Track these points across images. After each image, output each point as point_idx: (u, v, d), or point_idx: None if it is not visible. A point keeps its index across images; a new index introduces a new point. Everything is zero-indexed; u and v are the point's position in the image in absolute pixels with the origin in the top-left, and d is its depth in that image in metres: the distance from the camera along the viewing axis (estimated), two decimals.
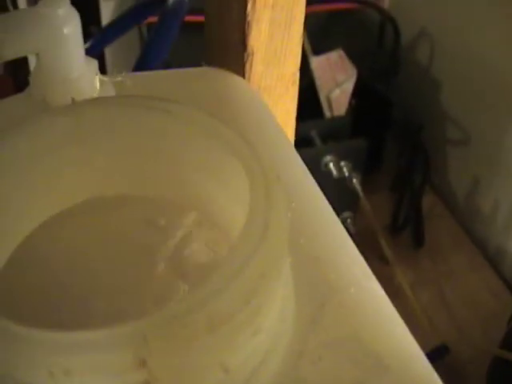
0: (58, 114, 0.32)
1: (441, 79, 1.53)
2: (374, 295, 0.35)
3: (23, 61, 1.24)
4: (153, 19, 1.07)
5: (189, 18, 0.96)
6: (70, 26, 0.38)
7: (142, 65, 0.83)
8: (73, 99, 0.33)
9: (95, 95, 0.40)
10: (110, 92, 0.41)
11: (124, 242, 0.35)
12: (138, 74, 0.48)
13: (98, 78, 0.40)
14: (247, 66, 0.50)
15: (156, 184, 0.34)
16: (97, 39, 0.99)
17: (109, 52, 1.61)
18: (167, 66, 0.96)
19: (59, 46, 0.38)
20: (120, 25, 1.02)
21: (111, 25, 1.03)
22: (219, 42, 0.53)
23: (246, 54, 0.50)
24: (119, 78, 0.42)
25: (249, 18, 0.48)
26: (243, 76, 0.51)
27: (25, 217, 0.33)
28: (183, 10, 0.87)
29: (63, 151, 0.32)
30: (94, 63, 0.41)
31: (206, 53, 0.55)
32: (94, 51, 0.99)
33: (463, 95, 1.49)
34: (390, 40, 1.49)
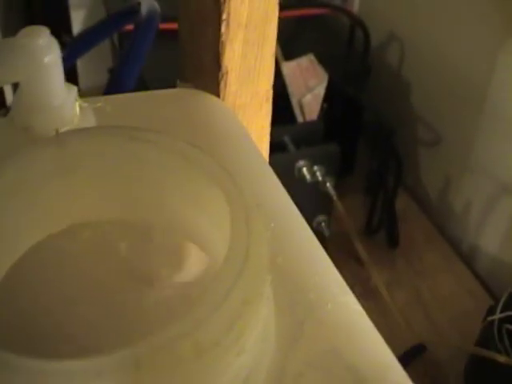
0: (44, 145, 0.33)
1: (411, 81, 1.56)
2: (350, 310, 0.36)
3: None
4: (124, 29, 1.08)
5: (164, 26, 0.97)
6: (51, 55, 0.39)
7: (118, 77, 0.84)
8: (56, 130, 0.34)
9: (76, 121, 0.41)
10: (90, 117, 0.42)
11: (105, 268, 0.36)
12: (116, 97, 0.49)
13: (77, 104, 0.41)
14: (222, 84, 0.51)
15: (140, 210, 0.35)
16: (69, 50, 0.99)
17: (80, 63, 1.62)
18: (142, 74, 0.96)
19: (40, 75, 0.39)
20: (93, 35, 1.02)
21: (84, 35, 1.04)
22: (194, 60, 0.54)
23: (220, 74, 0.51)
24: (99, 104, 0.43)
25: (223, 38, 0.49)
26: (218, 94, 0.52)
27: (14, 243, 0.34)
28: (156, 20, 0.88)
29: (50, 181, 0.33)
30: (74, 90, 0.42)
31: (181, 70, 0.56)
32: (67, 63, 1.00)
33: (433, 97, 1.51)
34: (360, 44, 1.51)
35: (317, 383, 0.32)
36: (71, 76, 1.71)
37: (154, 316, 0.34)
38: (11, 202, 0.33)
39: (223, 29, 0.49)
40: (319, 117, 1.40)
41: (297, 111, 1.39)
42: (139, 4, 0.90)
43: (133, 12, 0.91)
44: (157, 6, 0.89)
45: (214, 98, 0.51)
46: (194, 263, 0.35)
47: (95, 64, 1.56)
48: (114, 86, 0.78)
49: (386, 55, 1.61)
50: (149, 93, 0.50)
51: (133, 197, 0.34)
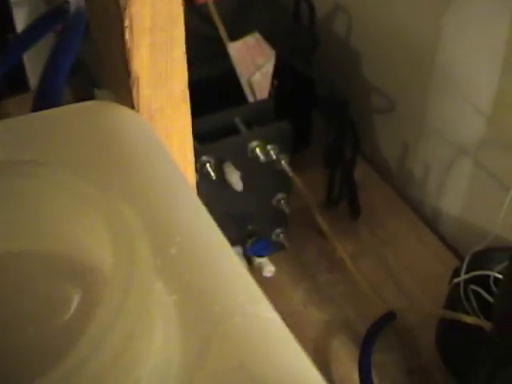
0: None
1: (360, 51, 1.55)
2: (260, 320, 0.36)
3: None
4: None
5: None
6: None
7: (49, 76, 0.82)
8: None
9: None
10: None
11: None
12: (22, 117, 0.48)
13: None
14: (134, 90, 0.51)
15: (30, 239, 0.34)
16: (12, 48, 0.98)
17: (28, 64, 1.61)
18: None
19: None
20: (27, 37, 1.01)
21: (23, 34, 1.02)
22: (108, 68, 0.53)
23: (131, 80, 0.50)
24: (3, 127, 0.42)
25: (128, 45, 0.48)
26: (132, 100, 0.51)
27: None
28: (83, 21, 0.86)
29: None
30: None
31: (98, 77, 0.55)
32: (11, 60, 0.98)
33: (384, 64, 1.51)
34: (306, 18, 1.50)
35: None
36: (21, 78, 1.69)
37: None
38: None
39: (127, 35, 0.48)
40: (270, 95, 1.39)
41: (247, 91, 1.38)
42: (67, 3, 0.88)
43: (62, 12, 0.89)
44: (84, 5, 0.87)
45: (127, 110, 0.50)
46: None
47: (42, 62, 1.54)
48: (42, 97, 0.77)
49: (333, 27, 1.60)
50: (59, 109, 0.49)
51: (21, 227, 0.34)
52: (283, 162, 1.30)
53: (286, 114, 1.34)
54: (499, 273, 1.23)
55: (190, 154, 0.56)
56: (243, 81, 1.38)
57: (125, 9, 0.47)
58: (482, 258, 1.26)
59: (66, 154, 0.41)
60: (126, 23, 0.47)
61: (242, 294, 0.37)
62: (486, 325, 1.14)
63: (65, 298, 0.33)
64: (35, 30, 0.94)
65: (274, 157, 1.29)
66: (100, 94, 0.54)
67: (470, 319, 1.18)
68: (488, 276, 1.24)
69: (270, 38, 1.40)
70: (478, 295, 1.22)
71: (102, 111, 0.49)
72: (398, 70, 1.47)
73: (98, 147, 0.44)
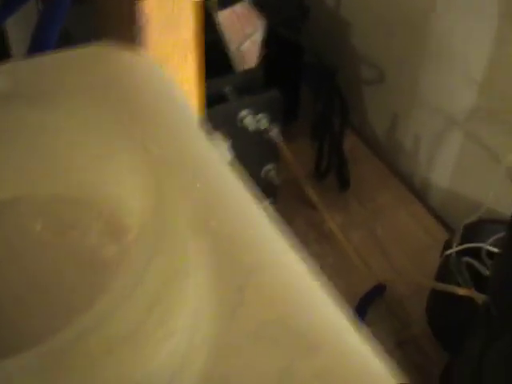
0: None
1: (350, 21, 1.52)
2: (292, 271, 0.33)
3: None
4: None
5: None
6: None
7: (37, 39, 0.79)
8: None
9: None
10: None
11: (25, 246, 0.33)
12: (33, 59, 0.44)
13: None
14: (142, 36, 0.48)
15: (47, 183, 0.31)
16: None
17: (10, 32, 1.57)
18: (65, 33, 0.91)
19: None
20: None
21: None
22: (111, 14, 0.50)
23: (140, 25, 0.47)
24: (6, 68, 0.39)
25: None
26: (139, 47, 0.48)
27: None
28: None
29: None
30: None
31: (98, 27, 0.52)
32: None
33: (373, 34, 1.48)
34: None
35: (261, 356, 0.29)
36: (2, 46, 1.65)
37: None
38: None
39: None
40: (259, 63, 1.36)
41: (236, 60, 1.35)
42: None
43: None
44: None
45: (136, 52, 0.47)
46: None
47: (25, 32, 1.50)
48: (34, 49, 0.74)
49: None
50: (64, 53, 0.46)
51: (36, 170, 0.31)
52: (273, 131, 1.27)
53: (275, 84, 1.32)
54: (492, 245, 1.21)
55: (200, 107, 0.53)
56: (232, 49, 1.34)
57: None
58: (473, 231, 1.24)
59: (81, 97, 0.38)
60: None
61: (273, 243, 0.34)
62: (478, 296, 1.12)
63: (97, 245, 0.31)
64: None
65: (264, 126, 1.26)
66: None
67: (462, 291, 1.16)
68: (479, 248, 1.23)
69: (260, 7, 1.37)
70: (469, 267, 1.21)
71: (110, 54, 0.46)
72: (388, 40, 1.44)
73: (111, 90, 0.41)
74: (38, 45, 0.74)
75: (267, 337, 0.29)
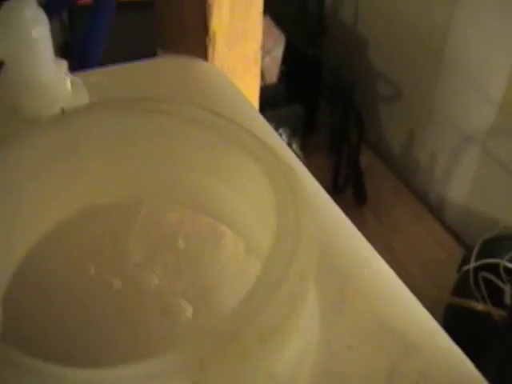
0: (51, 125, 0.30)
1: (367, 37, 1.54)
2: (384, 275, 0.35)
3: None
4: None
5: None
6: (39, 28, 0.36)
7: (84, 52, 0.80)
8: (62, 109, 0.31)
9: (69, 98, 0.38)
10: (83, 93, 0.39)
11: (121, 250, 0.34)
12: (109, 70, 0.46)
13: (69, 80, 0.38)
14: (209, 49, 0.49)
15: (159, 189, 0.32)
16: None
17: None
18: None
19: (28, 50, 0.36)
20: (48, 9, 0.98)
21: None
22: (175, 26, 0.51)
23: (207, 38, 0.48)
24: (93, 79, 0.40)
25: (210, 1, 0.46)
26: (205, 59, 0.50)
27: (26, 231, 0.31)
28: None
29: (59, 163, 0.30)
30: (64, 65, 0.39)
31: (161, 39, 0.53)
32: None
33: (391, 51, 1.50)
34: (314, 2, 1.48)
35: (367, 356, 0.30)
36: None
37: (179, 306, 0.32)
38: (21, 186, 0.30)
39: None
40: (279, 79, 1.38)
41: None
42: None
43: None
44: None
45: (206, 64, 0.48)
46: (230, 249, 0.33)
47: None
48: (81, 62, 0.75)
49: (341, 12, 1.59)
50: (143, 63, 0.47)
51: (150, 176, 0.32)
52: (294, 145, 1.29)
53: (295, 99, 1.33)
54: (510, 261, 1.22)
55: None
56: None
57: None
58: (491, 246, 1.25)
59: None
60: None
61: (364, 250, 0.35)
62: (496, 312, 1.13)
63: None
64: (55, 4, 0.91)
65: (286, 140, 1.28)
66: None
67: (480, 306, 1.17)
68: (497, 264, 1.24)
69: (280, 23, 1.39)
70: (487, 283, 1.22)
71: (185, 65, 0.47)
72: (405, 56, 1.46)
73: (191, 98, 0.42)
74: (85, 58, 0.75)
75: (371, 337, 0.31)
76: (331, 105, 1.56)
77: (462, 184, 1.41)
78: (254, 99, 0.54)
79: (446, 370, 0.31)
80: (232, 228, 0.32)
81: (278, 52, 1.39)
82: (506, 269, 1.22)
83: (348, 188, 1.51)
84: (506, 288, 1.17)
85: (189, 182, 0.31)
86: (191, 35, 0.50)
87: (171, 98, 0.30)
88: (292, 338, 0.26)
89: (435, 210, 1.49)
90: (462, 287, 1.23)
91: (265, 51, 1.38)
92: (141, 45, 0.71)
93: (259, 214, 0.29)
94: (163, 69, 0.47)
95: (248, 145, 0.28)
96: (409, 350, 0.31)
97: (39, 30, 0.36)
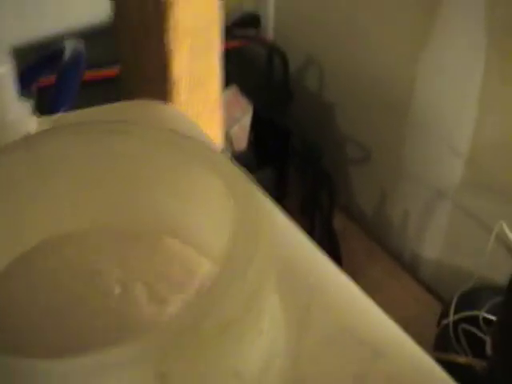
0: (12, 149, 0.31)
1: (333, 102, 1.57)
2: (349, 289, 0.35)
3: None
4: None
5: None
6: (3, 65, 0.37)
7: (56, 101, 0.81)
8: (27, 133, 0.32)
9: None
10: None
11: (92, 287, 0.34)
12: (74, 112, 0.47)
13: (35, 119, 0.39)
14: (173, 94, 0.50)
15: (124, 211, 0.33)
16: None
17: None
18: None
19: None
20: (25, 78, 0.99)
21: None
22: (138, 74, 0.53)
23: (169, 84, 0.50)
24: (56, 118, 0.41)
25: (170, 47, 0.48)
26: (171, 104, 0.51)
27: None
28: (82, 64, 0.85)
29: (22, 188, 0.31)
30: (29, 104, 0.39)
31: (124, 88, 0.54)
32: None
33: (357, 114, 1.53)
34: (279, 70, 1.51)
35: (334, 362, 0.30)
36: None
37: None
38: None
39: (170, 37, 0.47)
40: (248, 147, 1.39)
41: (225, 143, 1.38)
42: (63, 48, 0.87)
43: (56, 56, 0.88)
44: (81, 46, 0.87)
45: (170, 106, 0.49)
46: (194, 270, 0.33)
47: None
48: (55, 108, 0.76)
49: (306, 78, 1.62)
50: (106, 106, 0.48)
51: (117, 199, 0.32)
52: None
53: (264, 166, 1.35)
54: (488, 312, 1.23)
55: None
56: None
57: (168, 10, 0.46)
58: (469, 299, 1.26)
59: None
60: (170, 24, 0.47)
61: (328, 266, 0.36)
62: (478, 363, 1.13)
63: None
64: (29, 74, 0.93)
65: None
66: None
67: (462, 359, 1.17)
68: (476, 316, 1.24)
69: (247, 92, 1.41)
70: (467, 334, 1.22)
71: (150, 108, 0.48)
72: (371, 117, 1.49)
73: None
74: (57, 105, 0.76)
75: (337, 345, 0.31)
76: (301, 170, 1.57)
77: (435, 239, 1.43)
78: (218, 142, 0.55)
79: (415, 375, 0.31)
80: (195, 247, 0.32)
81: (246, 120, 1.41)
82: (486, 320, 1.22)
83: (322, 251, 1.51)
84: (487, 339, 1.17)
85: (151, 202, 0.32)
86: (154, 82, 0.51)
87: (132, 121, 0.31)
88: (254, 335, 0.26)
89: (410, 267, 1.49)
90: (442, 341, 1.23)
91: (233, 120, 1.40)
92: None
93: (221, 230, 0.30)
94: (128, 111, 0.48)
95: (212, 162, 0.29)
96: (377, 355, 0.31)
97: (3, 68, 0.37)
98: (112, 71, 1.13)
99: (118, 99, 0.52)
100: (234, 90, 1.41)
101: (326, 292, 0.34)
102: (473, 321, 1.23)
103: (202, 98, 0.51)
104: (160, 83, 0.50)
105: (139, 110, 0.48)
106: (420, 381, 0.31)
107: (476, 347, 1.18)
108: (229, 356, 0.25)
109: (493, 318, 1.19)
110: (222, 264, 0.25)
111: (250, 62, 1.55)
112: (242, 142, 1.41)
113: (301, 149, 1.52)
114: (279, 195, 1.56)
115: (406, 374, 0.31)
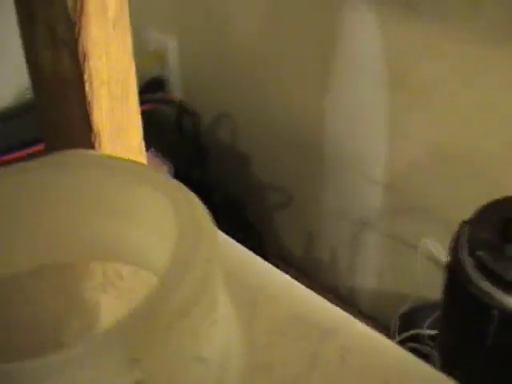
0: None
1: (247, 152, 1.60)
2: (291, 284, 0.38)
3: None
4: None
5: None
6: None
7: None
8: None
9: None
10: None
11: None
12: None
13: None
14: (96, 145, 0.52)
15: (60, 244, 0.34)
16: None
17: None
18: None
19: None
20: None
21: None
22: (59, 128, 0.54)
23: (93, 135, 0.52)
24: None
25: (89, 98, 0.50)
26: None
27: None
28: None
29: None
30: None
31: (48, 145, 0.56)
32: None
33: (273, 160, 1.56)
34: (188, 126, 1.54)
35: (288, 346, 0.33)
36: None
37: None
38: None
39: (87, 88, 0.50)
40: None
41: None
42: None
43: None
44: None
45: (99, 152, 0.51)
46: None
47: None
48: None
49: (219, 133, 1.65)
50: (35, 161, 0.50)
51: (53, 233, 0.34)
52: None
53: None
54: (429, 328, 1.26)
55: None
56: None
57: (83, 62, 0.49)
58: (409, 319, 1.29)
59: None
60: (86, 76, 0.49)
61: (267, 269, 0.38)
62: None
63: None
64: None
65: None
66: None
67: None
68: (419, 334, 1.27)
69: (163, 153, 1.43)
70: (413, 353, 1.24)
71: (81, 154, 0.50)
72: (287, 162, 1.52)
73: None
74: None
75: (288, 331, 0.33)
76: (227, 223, 1.59)
77: (366, 269, 1.46)
78: None
79: (369, 344, 0.34)
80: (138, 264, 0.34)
81: None
82: (429, 336, 1.25)
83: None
84: (433, 354, 1.20)
85: (95, 228, 0.33)
86: (77, 134, 0.53)
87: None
88: (210, 324, 0.28)
89: (348, 300, 1.52)
90: None
91: None
92: None
93: (166, 240, 0.32)
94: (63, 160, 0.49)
95: (152, 179, 0.31)
96: (328, 333, 0.33)
97: None
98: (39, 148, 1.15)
99: None
100: (151, 152, 1.43)
101: (270, 288, 0.36)
102: (417, 339, 1.26)
103: (124, 148, 0.54)
104: (84, 135, 0.52)
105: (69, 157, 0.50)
106: (374, 349, 0.33)
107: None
108: (191, 340, 0.27)
109: (434, 332, 1.22)
110: (171, 259, 0.27)
111: (161, 123, 1.57)
112: None
113: (223, 202, 1.54)
114: None
115: (360, 344, 0.33)
